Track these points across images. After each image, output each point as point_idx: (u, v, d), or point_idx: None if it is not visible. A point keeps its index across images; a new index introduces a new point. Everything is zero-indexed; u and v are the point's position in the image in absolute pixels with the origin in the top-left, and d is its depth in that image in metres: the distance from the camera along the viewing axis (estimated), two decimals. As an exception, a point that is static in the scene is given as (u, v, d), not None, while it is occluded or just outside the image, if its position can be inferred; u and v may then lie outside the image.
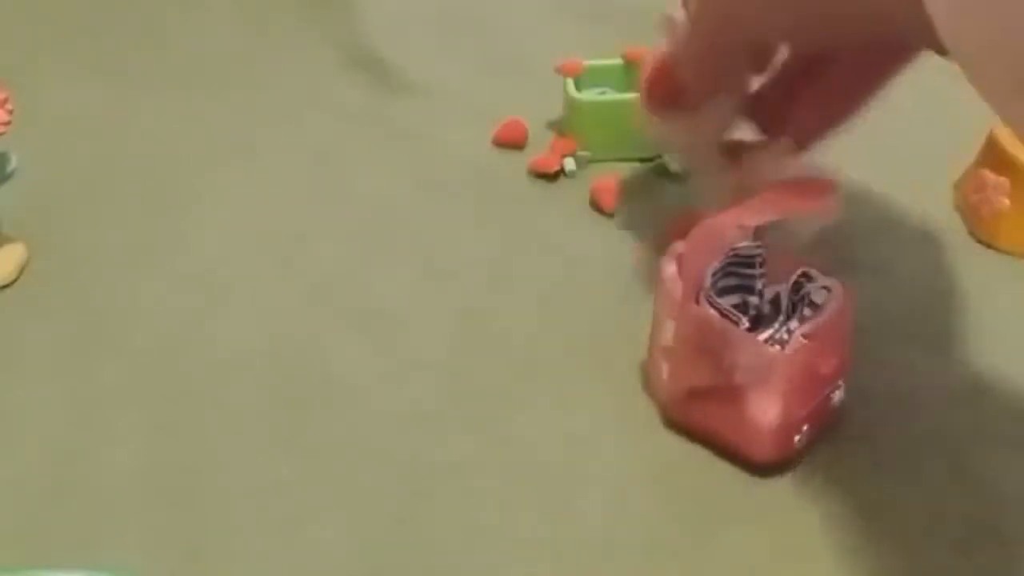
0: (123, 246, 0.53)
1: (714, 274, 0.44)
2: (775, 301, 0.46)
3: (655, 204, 0.56)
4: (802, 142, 0.47)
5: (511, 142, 0.60)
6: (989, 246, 0.55)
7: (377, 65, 0.66)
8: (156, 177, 0.57)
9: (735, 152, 0.48)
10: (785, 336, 0.44)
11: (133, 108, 0.61)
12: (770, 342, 0.44)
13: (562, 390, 0.47)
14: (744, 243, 0.45)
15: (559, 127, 0.60)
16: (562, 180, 0.58)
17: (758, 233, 0.45)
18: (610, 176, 0.57)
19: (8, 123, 0.49)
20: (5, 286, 0.50)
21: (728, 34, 0.45)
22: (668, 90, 0.47)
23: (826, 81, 0.47)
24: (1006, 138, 0.54)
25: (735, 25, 0.44)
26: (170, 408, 0.46)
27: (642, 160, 0.59)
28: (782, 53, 0.47)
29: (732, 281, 0.46)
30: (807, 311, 0.44)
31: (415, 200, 0.57)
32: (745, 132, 0.49)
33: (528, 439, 0.45)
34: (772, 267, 0.46)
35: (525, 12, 0.72)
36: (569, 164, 0.58)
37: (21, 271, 0.51)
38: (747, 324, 0.43)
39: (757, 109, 0.48)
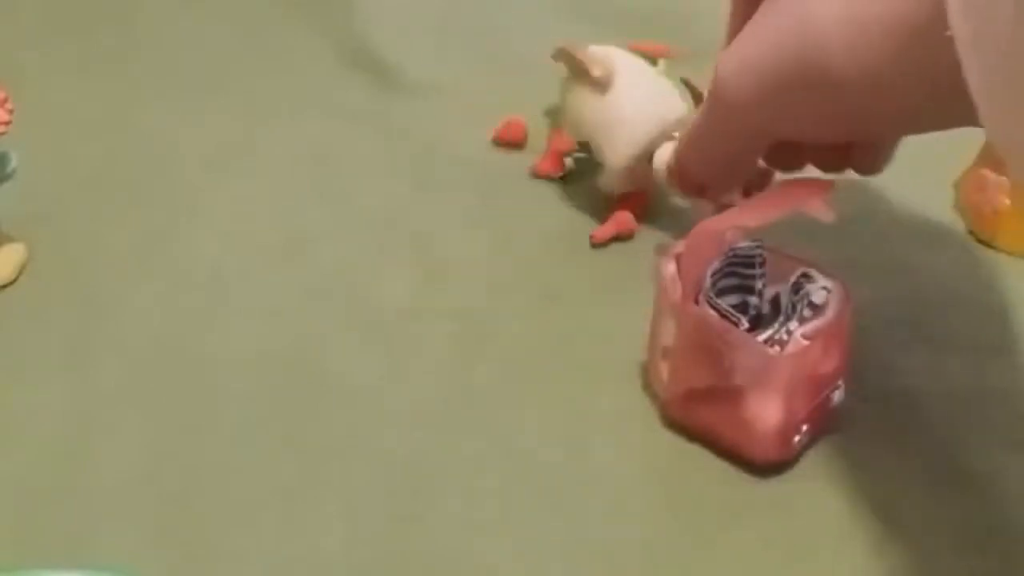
0: (123, 246, 0.53)
1: (714, 274, 0.44)
2: (775, 301, 0.46)
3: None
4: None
5: (511, 142, 0.60)
6: (989, 245, 0.55)
7: (377, 65, 0.66)
8: (156, 177, 0.57)
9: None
10: (785, 337, 0.44)
11: (133, 108, 0.61)
12: (770, 342, 0.44)
13: (562, 390, 0.47)
14: (744, 243, 0.45)
15: (554, 119, 0.60)
16: (562, 180, 0.58)
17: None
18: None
19: (8, 123, 0.49)
20: (5, 286, 0.50)
21: (755, 142, 0.45)
22: (692, 187, 0.49)
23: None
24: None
25: (762, 136, 0.44)
26: (170, 408, 0.46)
27: None
28: None
29: (732, 281, 0.46)
30: (807, 311, 0.44)
31: (415, 200, 0.57)
32: None
33: (528, 439, 0.45)
34: (772, 267, 0.46)
35: (525, 12, 0.72)
36: (568, 163, 0.58)
37: (21, 271, 0.51)
38: (747, 324, 0.43)
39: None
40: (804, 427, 0.43)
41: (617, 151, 0.53)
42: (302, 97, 0.63)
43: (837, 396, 0.44)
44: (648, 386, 0.47)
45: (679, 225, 0.53)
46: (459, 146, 0.60)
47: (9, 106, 0.49)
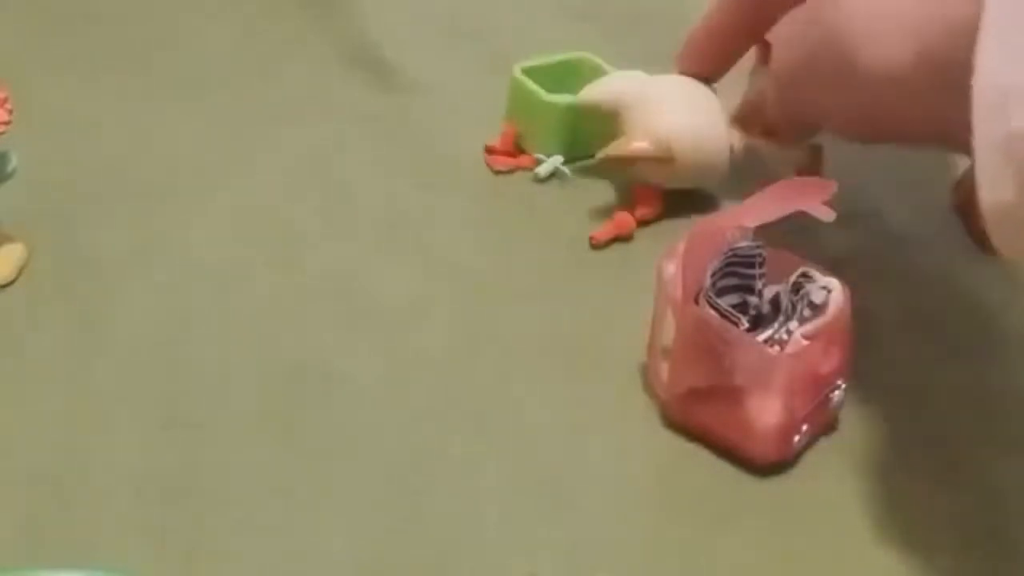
0: (123, 246, 0.53)
1: (714, 274, 0.44)
2: (775, 301, 0.46)
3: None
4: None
5: (507, 154, 0.60)
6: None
7: (377, 65, 0.66)
8: (156, 177, 0.57)
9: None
10: (785, 336, 0.44)
11: (133, 108, 0.61)
12: (770, 342, 0.44)
13: (562, 390, 0.47)
14: (744, 243, 0.45)
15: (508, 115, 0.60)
16: (562, 180, 0.58)
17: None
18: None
19: (8, 123, 0.49)
20: (5, 286, 0.50)
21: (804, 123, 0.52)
22: (761, 129, 0.54)
23: None
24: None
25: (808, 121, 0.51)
26: (170, 408, 0.46)
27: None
28: None
29: (732, 281, 0.46)
30: (807, 311, 0.44)
31: (415, 200, 0.57)
32: None
33: (528, 439, 0.45)
34: (772, 267, 0.46)
35: (525, 12, 0.71)
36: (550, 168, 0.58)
37: (21, 271, 0.51)
38: (747, 324, 0.43)
39: None
40: (804, 427, 0.43)
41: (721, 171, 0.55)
42: (302, 97, 0.63)
43: (837, 396, 0.44)
44: (648, 386, 0.47)
45: (679, 225, 0.53)
46: (459, 146, 0.60)
47: (9, 106, 0.49)
